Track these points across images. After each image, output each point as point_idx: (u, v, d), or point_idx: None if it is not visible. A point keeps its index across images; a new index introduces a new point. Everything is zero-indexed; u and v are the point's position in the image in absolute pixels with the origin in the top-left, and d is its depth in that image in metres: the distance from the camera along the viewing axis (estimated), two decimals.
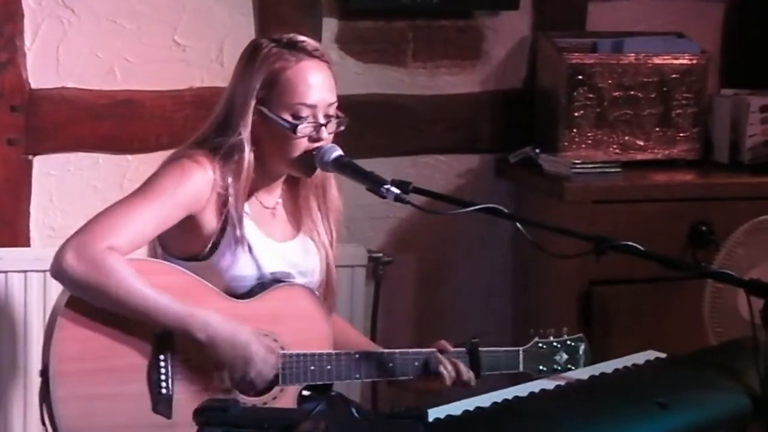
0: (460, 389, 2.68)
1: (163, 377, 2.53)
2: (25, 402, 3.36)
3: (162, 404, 2.52)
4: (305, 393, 2.67)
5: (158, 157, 2.91)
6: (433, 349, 2.73)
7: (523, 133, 3.95)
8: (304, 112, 2.61)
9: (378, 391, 3.62)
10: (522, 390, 2.36)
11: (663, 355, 2.61)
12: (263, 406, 2.57)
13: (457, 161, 3.98)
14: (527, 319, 3.90)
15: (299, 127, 2.59)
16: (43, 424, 2.51)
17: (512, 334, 3.92)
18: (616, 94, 3.87)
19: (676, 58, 3.92)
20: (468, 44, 3.95)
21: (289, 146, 2.61)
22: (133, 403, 2.51)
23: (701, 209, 3.73)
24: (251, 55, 2.64)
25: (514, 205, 3.84)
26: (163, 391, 2.53)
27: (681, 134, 3.94)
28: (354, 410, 2.06)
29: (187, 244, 2.63)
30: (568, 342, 2.82)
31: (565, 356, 2.80)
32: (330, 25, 3.77)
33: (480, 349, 2.74)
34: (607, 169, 3.76)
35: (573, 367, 2.79)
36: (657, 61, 3.90)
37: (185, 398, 2.53)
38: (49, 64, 3.50)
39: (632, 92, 3.88)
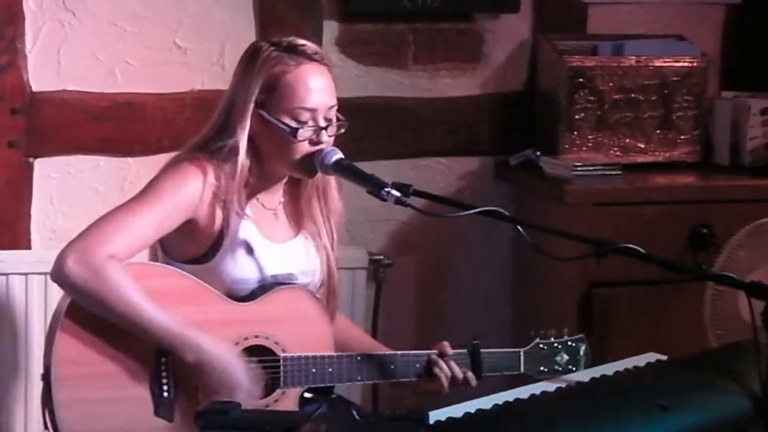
0: (462, 390, 2.68)
1: (164, 380, 2.53)
2: (27, 405, 3.37)
3: (163, 407, 2.53)
4: (306, 395, 2.67)
5: (159, 160, 2.92)
6: (434, 351, 2.73)
7: (523, 136, 3.95)
8: (305, 115, 2.61)
9: (379, 392, 3.62)
10: (523, 392, 2.37)
11: (664, 358, 2.61)
12: (265, 408, 2.57)
13: (457, 164, 3.98)
14: (527, 321, 3.90)
15: (300, 131, 2.59)
16: (45, 427, 2.51)
17: (512, 337, 3.92)
18: (617, 96, 3.87)
19: (677, 61, 3.92)
20: (468, 47, 3.95)
21: (290, 150, 2.61)
22: (134, 407, 2.51)
23: (702, 212, 3.73)
24: (251, 59, 2.65)
25: (515, 208, 3.84)
26: (165, 394, 2.53)
27: (681, 137, 3.94)
28: (355, 412, 2.07)
29: (187, 248, 2.64)
30: (569, 343, 2.81)
31: (566, 357, 2.80)
32: (330, 28, 3.77)
33: (481, 350, 2.74)
34: (607, 172, 3.76)
35: (574, 368, 2.79)
36: (657, 63, 3.90)
37: (186, 401, 2.53)
38: (50, 66, 3.50)
39: (633, 95, 3.88)
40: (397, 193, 2.53)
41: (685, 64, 3.92)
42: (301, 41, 2.67)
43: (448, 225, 3.84)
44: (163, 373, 2.53)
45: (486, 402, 2.25)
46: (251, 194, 2.67)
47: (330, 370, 2.64)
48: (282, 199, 2.75)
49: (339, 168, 2.62)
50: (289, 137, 2.60)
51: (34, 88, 3.49)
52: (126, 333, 2.51)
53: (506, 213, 2.53)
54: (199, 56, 3.64)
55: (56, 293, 2.59)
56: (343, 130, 2.67)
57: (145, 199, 2.57)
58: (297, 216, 2.76)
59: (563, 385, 2.49)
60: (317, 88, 2.62)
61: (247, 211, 2.65)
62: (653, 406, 2.14)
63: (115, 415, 2.50)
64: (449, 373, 2.70)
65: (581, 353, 2.81)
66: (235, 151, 2.60)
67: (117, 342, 2.51)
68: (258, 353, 2.60)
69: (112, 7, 3.54)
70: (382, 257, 3.70)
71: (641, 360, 2.55)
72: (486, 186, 3.98)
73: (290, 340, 2.62)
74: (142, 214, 2.55)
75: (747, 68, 4.19)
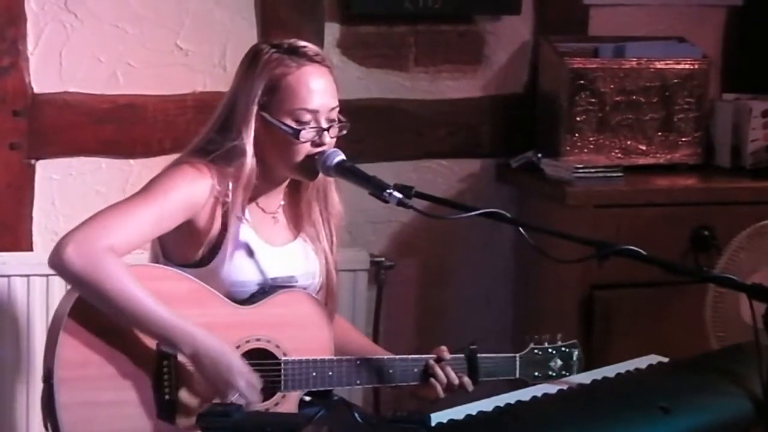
0: (462, 394, 2.69)
1: (166, 383, 2.53)
2: (28, 407, 3.37)
3: (165, 410, 2.52)
4: (306, 398, 2.67)
5: (161, 162, 2.92)
6: (432, 356, 2.74)
7: (524, 138, 3.96)
8: (306, 117, 2.61)
9: (380, 394, 3.62)
10: (524, 394, 2.37)
11: (665, 359, 2.61)
12: (265, 411, 2.57)
13: (458, 166, 3.98)
14: (528, 323, 3.90)
15: (302, 132, 2.59)
16: (47, 429, 2.51)
17: (513, 338, 3.92)
18: (618, 98, 3.87)
19: (678, 63, 3.92)
20: (470, 49, 3.95)
21: (292, 151, 2.61)
22: (136, 409, 2.51)
23: (703, 214, 3.73)
24: (252, 61, 2.65)
25: (516, 210, 3.84)
26: (167, 397, 2.53)
27: (683, 139, 3.94)
28: (356, 414, 2.06)
29: (187, 251, 2.63)
30: (563, 348, 2.82)
31: (559, 362, 2.80)
32: (332, 30, 3.77)
33: (478, 355, 2.75)
34: (608, 174, 3.76)
35: (567, 374, 2.80)
36: (659, 65, 3.90)
37: (189, 404, 2.53)
38: (51, 68, 3.51)
39: (634, 97, 3.88)
40: (399, 195, 2.53)
41: (686, 66, 3.93)
42: (303, 43, 2.67)
43: (450, 227, 3.84)
44: (165, 376, 2.53)
45: (487, 404, 2.25)
46: (251, 198, 2.67)
47: (330, 373, 2.64)
48: (281, 203, 2.75)
49: (341, 169, 2.62)
50: (291, 139, 2.60)
51: (36, 90, 3.49)
52: (128, 336, 2.51)
53: (507, 215, 2.53)
54: (201, 58, 3.64)
55: (58, 295, 2.60)
56: (345, 132, 2.67)
57: (146, 195, 2.57)
58: (296, 219, 2.76)
59: (564, 387, 2.49)
60: (319, 89, 2.62)
61: (246, 215, 2.65)
62: (654, 408, 2.14)
63: (118, 418, 2.49)
64: (445, 380, 2.70)
65: (574, 358, 2.82)
66: (241, 153, 2.60)
67: (119, 345, 2.51)
68: (259, 356, 2.60)
69: (114, 9, 3.55)
70: (383, 259, 3.70)
71: (642, 362, 2.55)
72: (487, 188, 3.98)
73: (291, 344, 2.62)
74: (143, 209, 2.54)
75: (748, 70, 4.19)
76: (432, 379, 2.70)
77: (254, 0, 3.68)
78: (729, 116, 3.97)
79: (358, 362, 2.68)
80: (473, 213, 2.53)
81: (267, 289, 2.66)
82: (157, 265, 2.66)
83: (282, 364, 2.61)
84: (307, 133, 2.60)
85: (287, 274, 2.70)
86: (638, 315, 3.68)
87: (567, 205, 3.67)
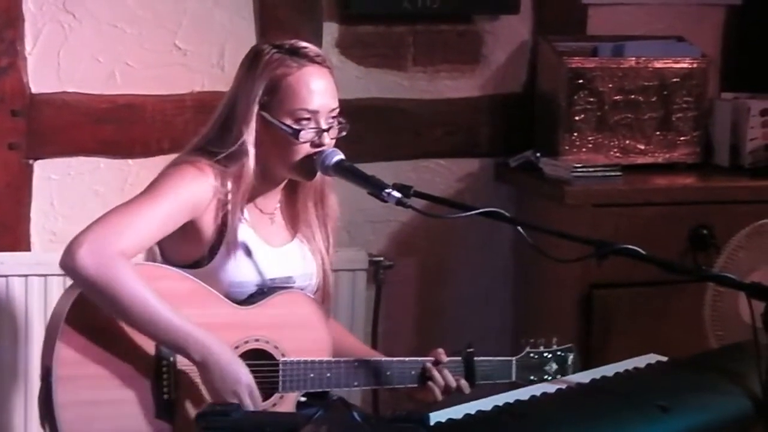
0: (459, 395, 2.69)
1: (165, 382, 2.53)
2: (26, 407, 3.36)
3: (164, 410, 2.52)
4: (302, 399, 2.68)
5: (159, 162, 2.92)
6: (429, 358, 2.73)
7: (523, 137, 3.95)
8: (306, 117, 2.61)
9: (379, 394, 3.62)
10: (523, 394, 2.37)
11: (664, 359, 2.61)
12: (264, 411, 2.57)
13: (457, 165, 3.98)
14: (528, 323, 3.90)
15: (301, 132, 2.59)
16: (44, 428, 2.51)
17: (512, 338, 3.92)
18: (617, 98, 3.87)
19: (677, 62, 3.92)
20: (468, 48, 3.95)
21: (291, 151, 2.61)
22: (135, 409, 2.51)
23: (702, 213, 3.73)
24: (253, 61, 2.65)
25: (515, 209, 3.84)
26: (165, 396, 2.53)
27: (681, 138, 3.94)
28: (355, 414, 2.06)
29: (186, 251, 2.63)
30: (558, 352, 2.83)
31: (554, 366, 2.81)
32: (330, 30, 3.77)
33: (475, 358, 2.75)
34: (607, 173, 3.76)
35: (562, 377, 2.80)
36: (657, 64, 3.90)
37: (187, 403, 2.53)
38: (50, 68, 3.50)
39: (633, 96, 3.88)
40: (398, 195, 2.53)
41: (685, 65, 3.93)
42: (304, 44, 2.67)
43: (449, 226, 3.84)
44: (164, 375, 2.53)
45: (486, 403, 2.25)
46: (250, 198, 2.66)
47: (328, 375, 2.64)
48: (278, 204, 2.75)
49: (340, 169, 2.62)
50: (290, 139, 2.60)
51: (34, 90, 3.49)
52: (127, 335, 2.51)
53: (506, 214, 2.53)
54: (199, 58, 3.64)
55: (56, 295, 2.60)
56: (344, 133, 2.67)
57: (151, 196, 2.57)
58: (293, 220, 2.76)
59: (563, 386, 2.49)
60: (319, 90, 2.62)
61: (245, 215, 2.65)
62: (653, 407, 2.14)
63: (116, 417, 2.49)
64: (442, 384, 2.71)
65: (569, 362, 2.83)
66: (243, 153, 2.60)
67: (118, 344, 2.51)
68: (257, 357, 2.60)
69: (112, 9, 3.54)
70: (382, 258, 3.70)
71: (641, 361, 2.55)
72: (486, 187, 3.98)
73: (289, 345, 2.62)
74: (150, 211, 2.54)
75: (747, 69, 4.19)
76: (429, 382, 2.70)
77: (253, 0, 3.68)
78: (728, 115, 3.97)
79: (356, 364, 2.68)
80: (472, 212, 2.53)
81: (265, 290, 2.66)
82: (158, 264, 2.66)
83: (280, 365, 2.61)
84: (306, 134, 2.60)
85: (285, 274, 2.70)
86: (637, 314, 3.68)
87: (566, 205, 3.67)
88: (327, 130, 2.62)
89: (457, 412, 2.20)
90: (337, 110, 2.66)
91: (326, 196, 2.76)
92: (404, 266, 3.88)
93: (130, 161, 3.59)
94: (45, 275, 3.32)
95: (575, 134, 3.85)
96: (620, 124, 3.89)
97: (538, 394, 2.34)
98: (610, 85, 3.86)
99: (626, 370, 2.47)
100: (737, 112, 3.96)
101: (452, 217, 2.59)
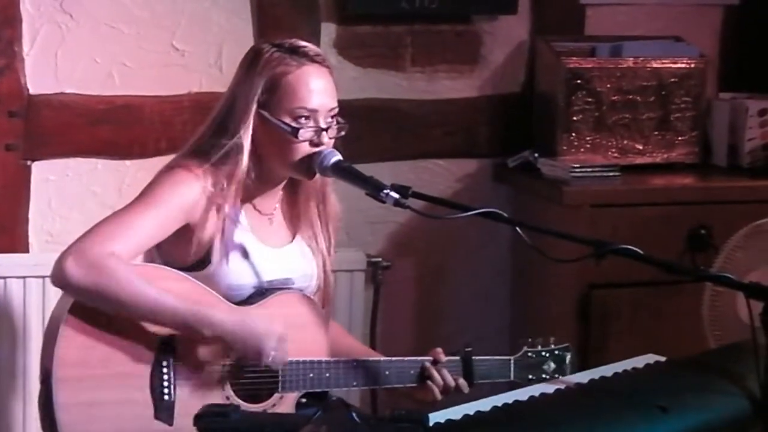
0: (459, 395, 2.69)
1: (165, 383, 2.52)
2: (25, 409, 3.36)
3: (164, 410, 2.52)
4: (302, 400, 2.67)
5: (157, 162, 2.91)
6: (428, 358, 2.73)
7: (521, 138, 3.96)
8: (305, 116, 2.60)
9: (378, 395, 3.62)
10: (522, 394, 2.37)
11: (662, 359, 2.61)
12: (263, 412, 2.57)
13: (455, 166, 3.98)
14: (526, 323, 3.90)
15: (300, 131, 2.59)
16: (44, 430, 2.51)
17: (511, 338, 3.92)
18: (615, 98, 3.87)
19: (675, 62, 3.92)
20: (466, 49, 3.95)
21: (290, 150, 2.61)
22: (135, 410, 2.50)
23: (700, 213, 3.73)
24: (252, 60, 2.64)
25: (513, 210, 3.84)
26: (165, 397, 2.53)
27: (680, 138, 3.94)
28: (354, 414, 2.06)
29: (184, 254, 2.62)
30: (556, 352, 2.83)
31: (552, 365, 2.81)
32: (328, 30, 3.77)
33: (473, 357, 2.75)
34: (605, 173, 3.76)
35: (560, 376, 2.80)
36: (655, 65, 3.90)
37: (187, 404, 2.52)
38: (47, 69, 3.50)
39: (631, 96, 3.88)
40: (396, 195, 2.53)
41: (683, 66, 3.93)
42: (303, 43, 2.67)
43: (447, 227, 3.83)
44: (164, 376, 2.53)
45: (485, 404, 2.25)
46: (247, 198, 2.66)
47: (327, 375, 2.64)
48: (277, 204, 2.74)
49: (338, 170, 2.61)
50: (289, 137, 2.60)
51: (32, 91, 3.49)
52: (127, 336, 2.51)
53: (505, 214, 2.52)
54: (197, 58, 3.64)
55: (54, 296, 2.59)
56: (343, 133, 2.67)
57: (142, 202, 2.57)
58: (293, 220, 2.76)
59: (562, 386, 2.49)
60: (318, 89, 2.61)
61: (242, 217, 2.65)
62: (652, 408, 2.14)
63: (116, 419, 2.49)
64: (441, 383, 2.70)
65: (567, 362, 2.83)
66: (238, 150, 2.59)
67: (118, 344, 2.51)
68: None
69: (110, 10, 3.54)
70: (380, 259, 3.70)
71: (640, 361, 2.55)
72: (484, 188, 3.98)
73: (288, 345, 2.62)
74: (141, 217, 2.54)
75: (745, 69, 4.20)
76: (428, 381, 2.70)
77: (250, 0, 3.68)
78: (726, 115, 3.98)
79: (355, 364, 2.68)
80: (470, 213, 2.53)
81: (264, 291, 2.65)
82: (157, 265, 2.66)
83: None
84: (305, 132, 2.60)
85: (284, 276, 2.69)
86: (636, 314, 3.68)
87: (564, 205, 3.67)
88: (326, 129, 2.62)
89: (455, 412, 2.20)
90: (336, 110, 2.65)
91: (327, 196, 2.76)
92: (402, 267, 3.88)
93: (127, 162, 3.59)
94: (43, 276, 3.32)
95: (573, 134, 3.85)
96: (618, 125, 3.89)
97: (536, 394, 2.34)
98: (609, 86, 3.86)
99: (625, 371, 2.47)
100: (735, 112, 3.97)
101: (451, 218, 2.58)
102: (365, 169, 2.64)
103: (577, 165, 3.73)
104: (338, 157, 2.62)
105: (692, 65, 3.93)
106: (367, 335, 3.56)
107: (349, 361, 2.68)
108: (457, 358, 2.74)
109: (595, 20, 4.07)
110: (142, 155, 3.57)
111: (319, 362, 2.63)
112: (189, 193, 2.58)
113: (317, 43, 3.59)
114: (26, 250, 3.51)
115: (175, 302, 2.49)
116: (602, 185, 3.73)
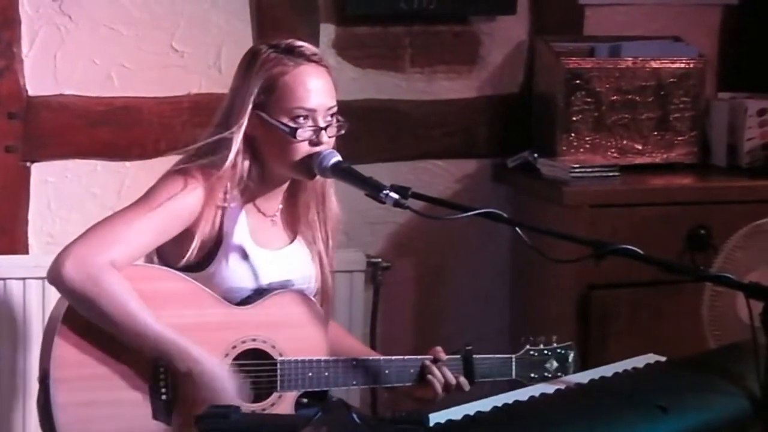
0: (460, 394, 2.68)
1: (162, 383, 2.53)
2: (25, 409, 3.36)
3: (162, 411, 2.52)
4: (303, 400, 2.67)
5: (156, 164, 2.92)
6: (428, 357, 2.73)
7: (520, 138, 3.95)
8: (304, 116, 2.60)
9: (377, 395, 3.62)
10: (522, 394, 2.37)
11: (662, 359, 2.61)
12: (263, 412, 2.57)
13: (455, 166, 3.98)
14: (526, 324, 3.90)
15: (299, 130, 2.59)
16: (43, 431, 2.51)
17: (511, 339, 3.92)
18: (614, 98, 3.87)
19: (674, 62, 3.92)
20: (465, 49, 3.95)
21: (290, 150, 2.61)
22: (132, 410, 2.51)
23: (700, 213, 3.73)
24: (250, 62, 2.64)
25: (513, 210, 3.84)
26: (163, 397, 2.53)
27: (679, 138, 3.94)
28: (354, 415, 2.06)
29: (183, 256, 2.62)
30: (558, 350, 2.82)
31: (555, 364, 2.80)
32: (327, 31, 3.77)
33: (474, 356, 2.75)
34: (605, 173, 3.76)
35: (562, 375, 2.80)
36: (654, 65, 3.90)
37: (185, 405, 2.53)
38: (46, 71, 3.50)
39: (630, 96, 3.88)
40: (395, 196, 2.53)
41: (682, 66, 3.93)
42: (300, 43, 2.67)
43: (447, 227, 3.83)
44: (162, 377, 2.53)
45: (485, 404, 2.25)
46: (250, 200, 2.66)
47: (326, 374, 2.64)
48: (280, 206, 2.74)
49: (337, 171, 2.61)
50: (288, 137, 2.60)
51: (31, 93, 3.49)
52: None
53: (504, 215, 2.52)
54: (196, 59, 3.64)
55: (54, 298, 2.59)
56: (343, 132, 2.67)
57: (143, 207, 2.57)
58: (293, 221, 2.76)
59: (562, 386, 2.49)
60: (316, 88, 2.62)
61: (243, 218, 2.65)
62: (652, 408, 2.14)
63: (114, 419, 2.49)
64: (442, 380, 2.70)
65: (570, 360, 2.82)
66: (227, 145, 2.59)
67: (116, 345, 2.51)
68: (255, 357, 2.60)
69: (109, 11, 3.54)
70: (380, 260, 3.70)
71: (640, 361, 2.55)
72: (484, 188, 3.98)
73: (287, 344, 2.62)
74: (141, 222, 2.54)
75: (744, 69, 4.20)
76: (430, 377, 2.69)
77: (249, 1, 3.68)
78: (725, 115, 3.98)
79: (355, 363, 2.68)
80: (470, 213, 2.53)
81: (263, 292, 2.65)
82: (154, 265, 2.66)
83: (278, 364, 2.61)
84: (304, 132, 2.60)
85: (284, 278, 2.69)
86: (635, 314, 3.67)
87: (563, 205, 3.67)
88: (325, 129, 2.62)
89: (456, 412, 2.20)
90: (335, 108, 2.65)
91: (327, 198, 2.76)
92: (402, 267, 3.88)
93: (127, 163, 3.59)
94: (43, 278, 3.29)
95: (573, 135, 3.85)
96: (618, 125, 3.89)
97: (537, 395, 2.34)
98: (608, 86, 3.86)
99: (625, 371, 2.47)
100: (734, 111, 3.97)
101: (450, 218, 2.58)
102: (364, 169, 2.64)
103: (577, 165, 3.73)
104: (338, 157, 2.62)
105: (691, 65, 3.93)
106: (367, 336, 3.56)
107: (348, 360, 2.68)
108: (458, 356, 2.75)
109: (594, 20, 4.07)
110: (142, 156, 3.57)
111: (318, 361, 2.64)
112: (190, 199, 2.58)
113: (316, 44, 3.59)
114: (26, 252, 3.51)
115: (160, 331, 2.49)
116: (602, 185, 3.73)
